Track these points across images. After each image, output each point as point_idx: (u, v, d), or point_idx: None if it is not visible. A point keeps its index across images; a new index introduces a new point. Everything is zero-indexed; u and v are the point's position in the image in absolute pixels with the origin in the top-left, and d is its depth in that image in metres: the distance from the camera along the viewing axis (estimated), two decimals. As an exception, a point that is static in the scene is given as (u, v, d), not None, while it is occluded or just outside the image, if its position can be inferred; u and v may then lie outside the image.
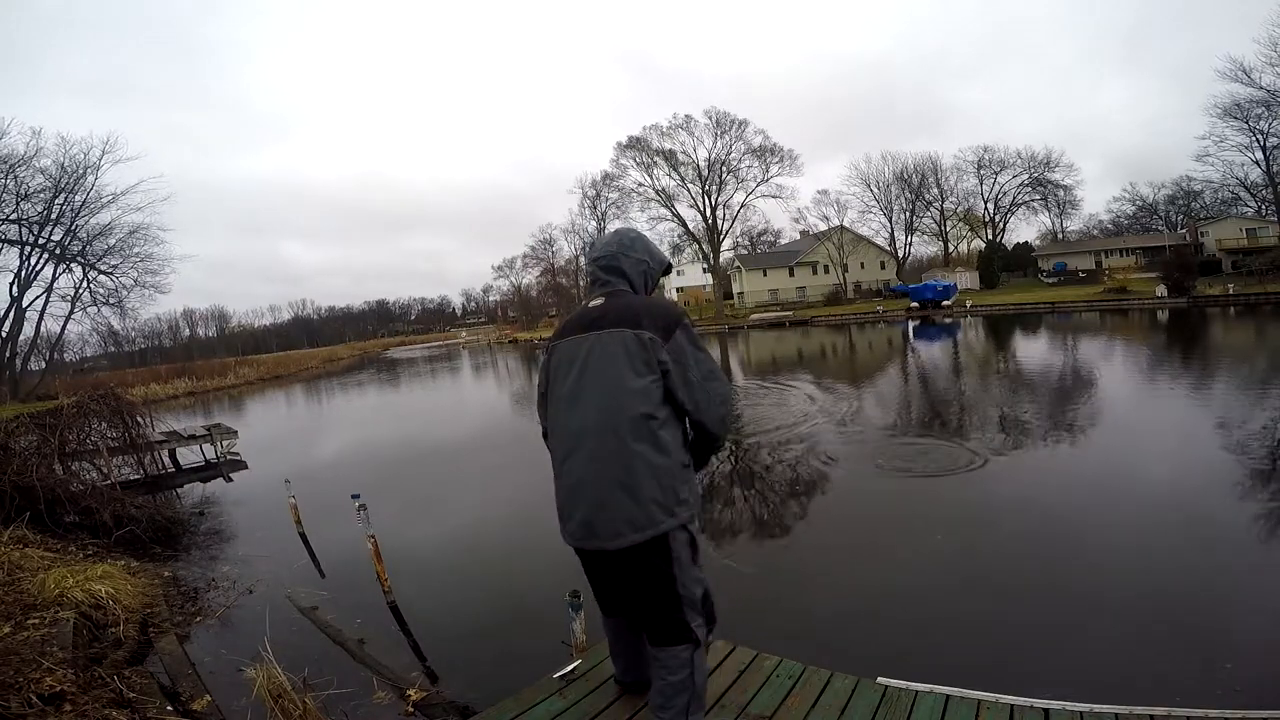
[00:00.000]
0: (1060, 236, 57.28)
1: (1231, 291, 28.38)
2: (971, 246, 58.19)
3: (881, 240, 57.49)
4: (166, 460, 10.85)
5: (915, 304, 39.76)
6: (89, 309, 31.35)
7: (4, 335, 29.99)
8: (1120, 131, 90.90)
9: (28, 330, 31.50)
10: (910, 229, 57.42)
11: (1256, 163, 39.41)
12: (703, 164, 50.45)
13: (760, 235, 60.63)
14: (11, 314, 30.05)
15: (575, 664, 2.59)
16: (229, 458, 11.39)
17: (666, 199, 52.03)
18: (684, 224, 52.89)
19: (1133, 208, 57.19)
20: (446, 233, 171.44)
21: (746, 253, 60.50)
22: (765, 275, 56.89)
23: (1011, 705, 2.16)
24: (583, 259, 62.16)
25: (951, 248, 58.98)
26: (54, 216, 29.68)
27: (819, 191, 60.94)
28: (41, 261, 30.35)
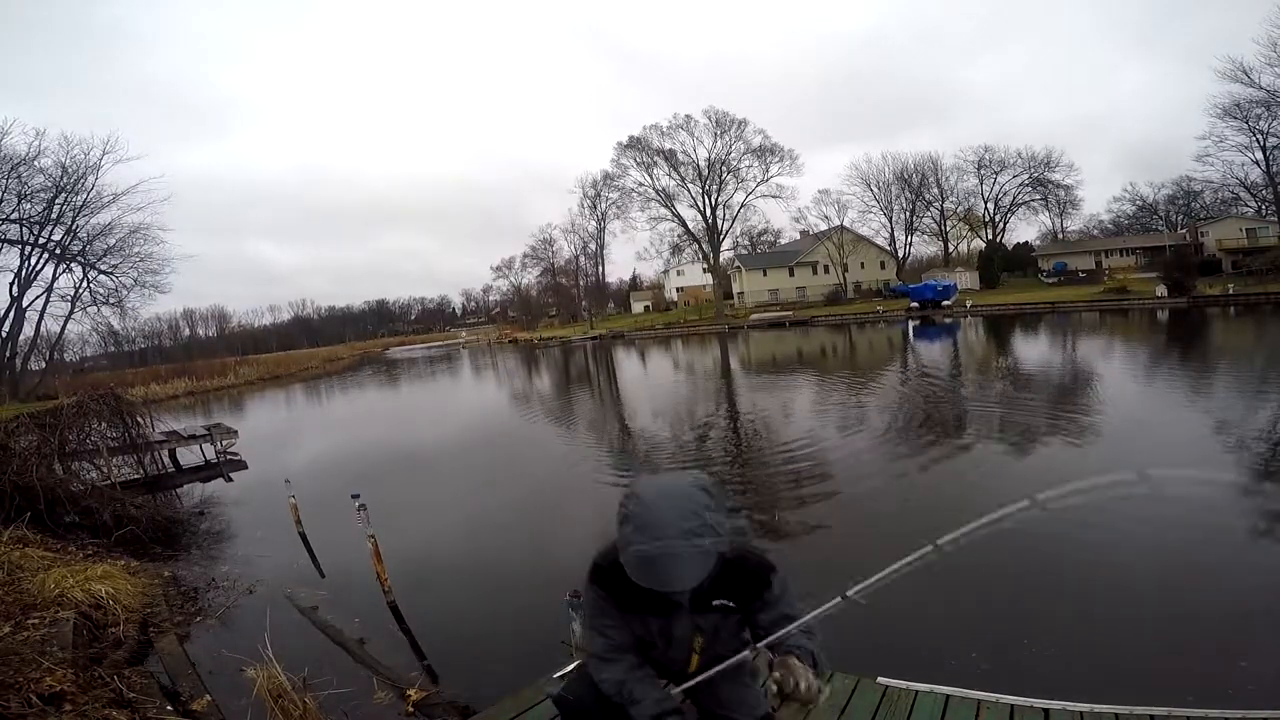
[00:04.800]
0: (1060, 236, 57.29)
1: (1231, 291, 28.36)
2: (971, 246, 58.24)
3: (881, 240, 57.56)
4: (166, 460, 10.84)
5: (915, 304, 39.77)
6: (89, 309, 31.37)
7: (4, 335, 30.00)
8: (1130, 122, 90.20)
9: (28, 330, 31.53)
10: (910, 229, 57.53)
11: (1256, 163, 39.44)
12: (703, 164, 50.53)
13: (760, 235, 60.68)
14: (11, 314, 30.08)
15: (575, 664, 2.58)
16: (229, 458, 11.38)
17: (666, 199, 52.10)
18: (684, 224, 52.94)
19: (1133, 208, 57.22)
20: (442, 232, 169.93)
21: (746, 253, 60.52)
22: (765, 275, 56.90)
23: (1011, 705, 2.17)
24: (583, 259, 62.23)
25: (951, 248, 59.03)
26: (54, 216, 29.71)
27: (819, 191, 61.01)
28: (42, 261, 30.38)
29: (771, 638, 1.57)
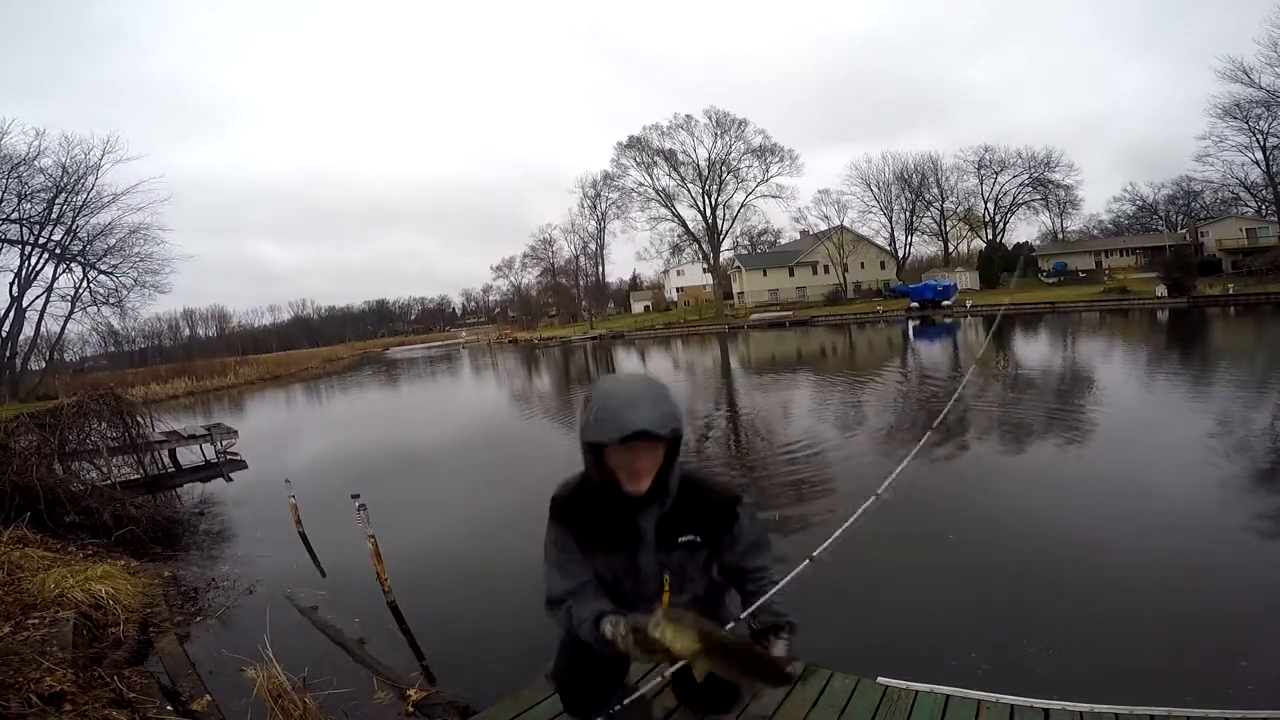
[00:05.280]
0: (1060, 236, 57.31)
1: (1231, 291, 28.37)
2: (971, 246, 58.26)
3: (881, 240, 57.61)
4: (166, 460, 10.85)
5: (915, 304, 39.78)
6: (89, 309, 31.46)
7: (4, 335, 30.03)
8: (1130, 122, 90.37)
9: (28, 330, 31.60)
10: (910, 229, 57.59)
11: (1256, 163, 39.53)
12: (703, 164, 50.58)
13: (760, 235, 60.71)
14: (12, 314, 30.12)
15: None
16: (229, 457, 11.39)
17: (666, 199, 52.17)
18: (684, 224, 52.96)
19: (1133, 208, 57.29)
20: (442, 232, 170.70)
21: (746, 253, 60.53)
22: (765, 275, 56.91)
23: (1011, 705, 2.17)
24: (583, 259, 62.28)
25: (951, 248, 59.06)
26: (55, 216, 29.76)
27: (819, 191, 61.09)
28: (42, 261, 30.43)
29: (753, 606, 1.57)
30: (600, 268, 65.51)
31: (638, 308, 68.30)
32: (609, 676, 1.80)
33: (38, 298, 30.74)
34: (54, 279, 30.79)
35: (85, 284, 30.90)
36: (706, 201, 51.18)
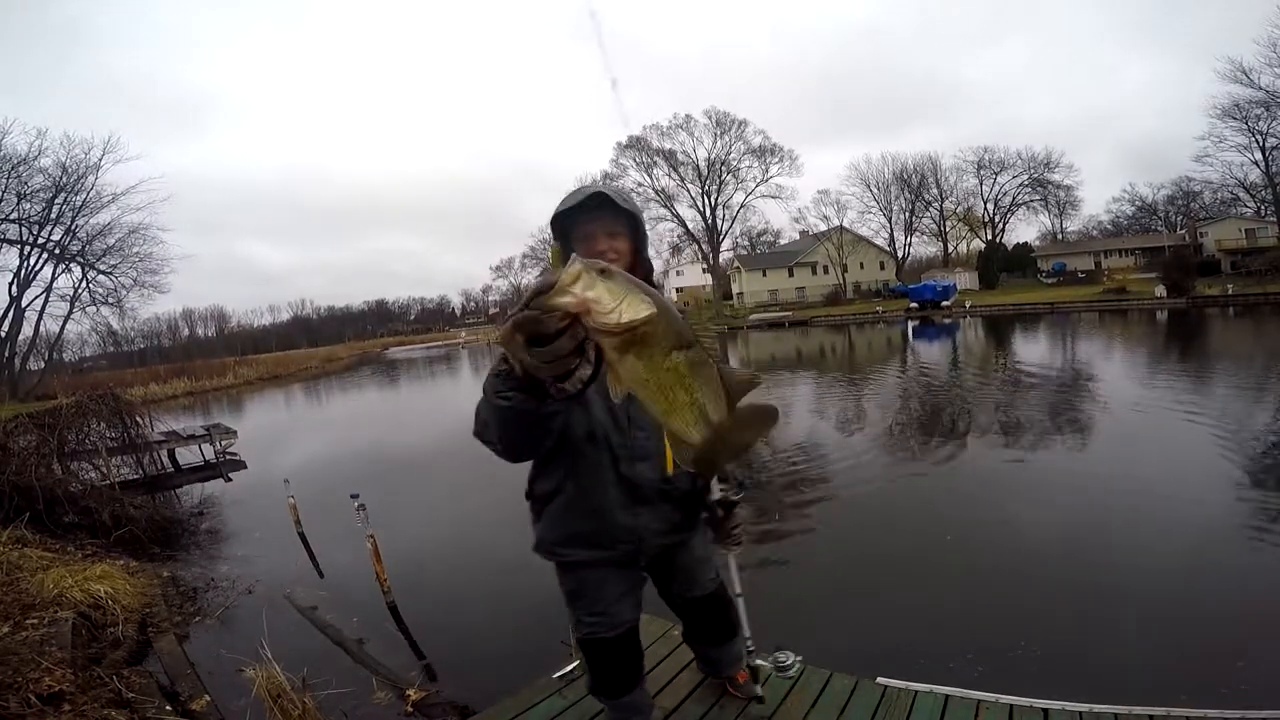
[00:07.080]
0: (1060, 237, 57.33)
1: (1230, 292, 28.38)
2: (971, 247, 58.27)
3: (881, 240, 57.58)
4: (165, 460, 10.82)
5: (914, 304, 39.79)
6: (88, 309, 31.50)
7: (3, 335, 30.02)
8: (1130, 121, 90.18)
9: (27, 330, 31.61)
10: (910, 229, 57.54)
11: (1255, 163, 39.48)
12: (702, 164, 50.61)
13: (760, 235, 60.74)
14: (11, 313, 30.12)
15: (575, 664, 2.58)
16: (228, 458, 11.37)
17: (666, 199, 52.20)
18: (683, 224, 52.98)
19: (1132, 208, 57.32)
20: (441, 233, 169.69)
21: (746, 253, 60.53)
22: (765, 275, 56.91)
23: (1011, 705, 2.17)
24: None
25: (951, 248, 59.07)
26: (54, 216, 29.76)
27: (819, 191, 61.13)
28: (41, 261, 30.44)
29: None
30: (600, 268, 65.49)
31: (637, 308, 68.17)
32: (628, 659, 1.84)
33: (37, 298, 30.82)
34: (53, 279, 30.86)
35: (84, 284, 30.98)
36: (706, 202, 51.29)
